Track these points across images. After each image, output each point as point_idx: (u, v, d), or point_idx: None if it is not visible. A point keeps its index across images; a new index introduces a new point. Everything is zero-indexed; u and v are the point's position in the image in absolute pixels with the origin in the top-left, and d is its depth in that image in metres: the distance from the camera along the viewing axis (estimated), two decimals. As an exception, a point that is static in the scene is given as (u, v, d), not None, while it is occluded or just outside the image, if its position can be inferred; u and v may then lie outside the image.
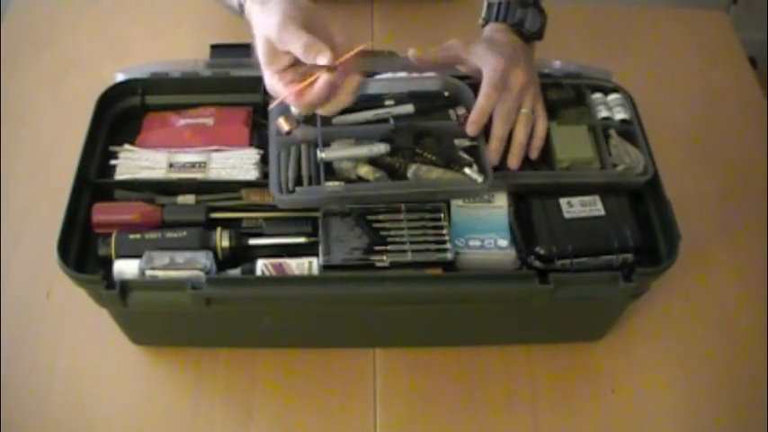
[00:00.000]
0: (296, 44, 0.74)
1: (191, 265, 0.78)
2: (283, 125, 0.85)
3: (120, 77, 0.94)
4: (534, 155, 0.87)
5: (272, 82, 0.77)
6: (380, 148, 0.83)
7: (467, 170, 0.81)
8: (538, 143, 0.87)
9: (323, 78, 0.74)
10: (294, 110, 0.79)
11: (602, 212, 0.84)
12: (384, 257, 0.80)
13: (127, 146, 0.90)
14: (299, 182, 0.83)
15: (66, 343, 0.88)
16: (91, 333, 0.88)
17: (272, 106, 0.81)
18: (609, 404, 0.86)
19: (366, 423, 0.84)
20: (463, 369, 0.88)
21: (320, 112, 0.79)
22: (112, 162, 0.89)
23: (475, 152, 0.84)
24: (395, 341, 0.89)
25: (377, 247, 0.81)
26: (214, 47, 1.03)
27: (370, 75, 0.92)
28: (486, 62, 0.86)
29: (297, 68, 0.77)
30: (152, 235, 0.81)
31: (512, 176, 0.85)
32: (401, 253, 0.80)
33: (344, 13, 1.19)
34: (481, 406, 0.86)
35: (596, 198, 0.84)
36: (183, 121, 0.93)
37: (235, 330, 0.86)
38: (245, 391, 0.85)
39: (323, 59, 0.73)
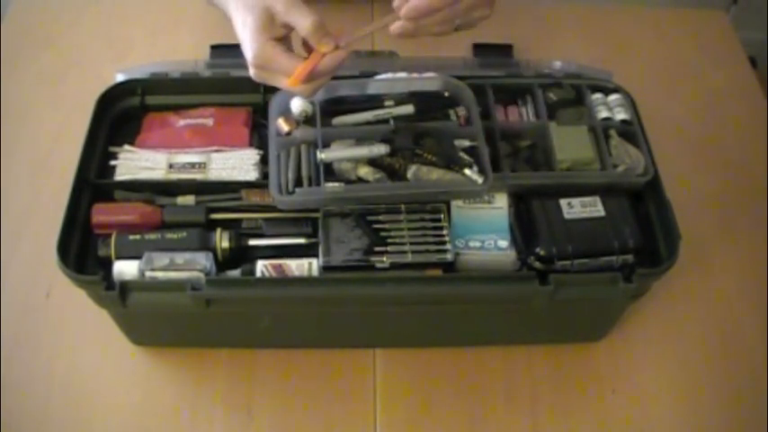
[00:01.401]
0: (305, 20, 0.72)
1: (190, 266, 0.78)
2: (283, 126, 0.86)
3: (120, 77, 0.94)
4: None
5: (266, 48, 0.73)
6: (380, 149, 0.83)
7: (467, 171, 0.81)
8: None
9: (334, 56, 0.73)
10: (288, 87, 0.75)
11: (603, 213, 0.84)
12: (384, 258, 0.80)
13: (127, 146, 0.90)
14: (298, 183, 0.83)
15: (65, 343, 0.88)
16: (91, 333, 0.88)
17: (289, 83, 0.74)
18: (609, 405, 0.86)
19: (366, 423, 0.84)
20: (463, 369, 0.88)
21: (306, 88, 0.76)
22: (112, 162, 0.89)
23: (475, 153, 0.84)
24: (395, 341, 0.89)
25: (377, 248, 0.81)
26: (214, 47, 1.03)
27: (370, 75, 0.91)
28: None
29: (284, 41, 0.75)
30: (152, 236, 0.81)
31: (512, 177, 0.85)
32: (401, 254, 0.80)
33: (344, 13, 1.19)
34: (481, 406, 0.86)
35: (596, 199, 0.84)
36: (182, 122, 0.93)
37: (235, 331, 0.86)
38: (245, 391, 0.85)
39: (328, 44, 0.73)
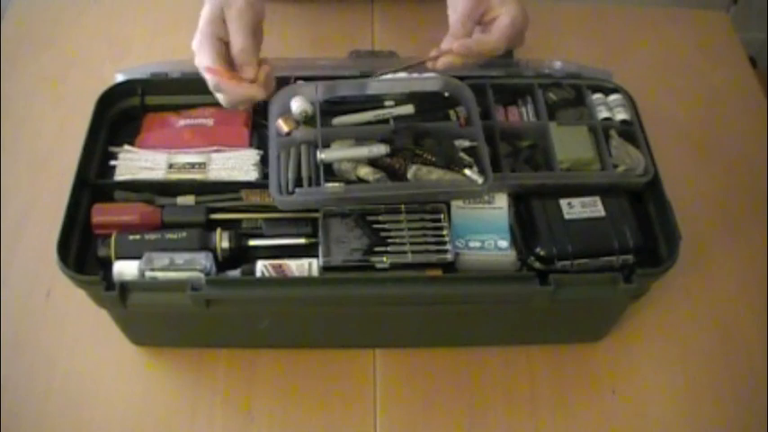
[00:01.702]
0: (238, 38, 0.80)
1: (190, 266, 0.78)
2: (283, 126, 0.86)
3: (119, 78, 0.94)
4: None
5: (204, 41, 0.81)
6: (380, 149, 0.83)
7: (467, 171, 0.81)
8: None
9: (250, 86, 0.81)
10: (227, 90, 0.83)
11: (603, 213, 0.84)
12: (384, 258, 0.80)
13: (126, 146, 0.90)
14: (298, 183, 0.83)
15: (65, 343, 0.88)
16: (91, 333, 0.88)
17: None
18: (609, 405, 0.86)
19: (366, 423, 0.84)
20: (463, 370, 0.88)
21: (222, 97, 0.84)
22: (112, 163, 0.89)
23: (475, 153, 0.84)
24: (395, 342, 0.89)
25: (377, 249, 0.81)
26: (214, 47, 1.02)
27: (371, 75, 0.91)
28: (507, 10, 0.87)
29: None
30: (152, 236, 0.81)
31: (512, 177, 0.85)
32: (401, 254, 0.80)
33: (344, 13, 1.19)
34: (481, 407, 0.86)
35: (596, 199, 0.84)
36: (182, 122, 0.93)
37: (235, 331, 0.86)
38: (245, 391, 0.85)
39: (248, 73, 0.81)
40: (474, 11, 0.88)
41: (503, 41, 0.86)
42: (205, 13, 0.82)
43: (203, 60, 0.81)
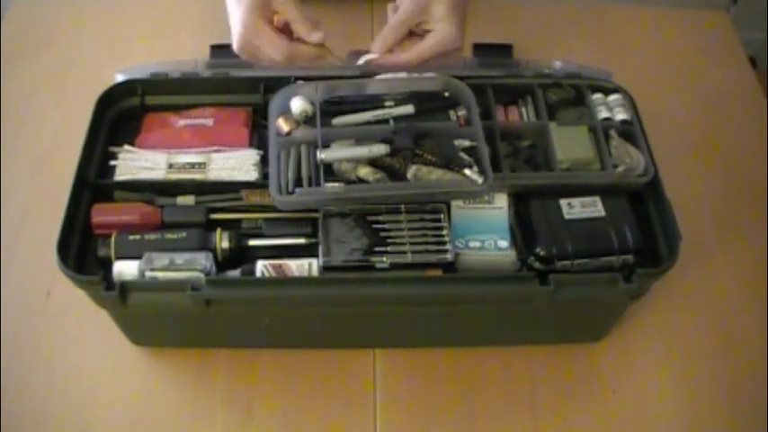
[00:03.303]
0: (293, 10, 0.85)
1: (190, 266, 0.78)
2: (283, 126, 0.86)
3: (120, 78, 0.94)
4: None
5: (258, 23, 0.84)
6: (380, 149, 0.83)
7: (467, 171, 0.81)
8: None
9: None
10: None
11: (603, 213, 0.84)
12: (384, 258, 0.80)
13: (126, 146, 0.90)
14: (298, 183, 0.83)
15: (65, 343, 0.88)
16: (91, 333, 0.88)
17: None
18: (609, 405, 0.86)
19: (366, 423, 0.84)
20: (463, 370, 0.88)
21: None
22: (112, 163, 0.89)
23: (475, 153, 0.84)
24: (395, 342, 0.89)
25: (377, 249, 0.81)
26: (214, 47, 1.02)
27: (370, 75, 0.91)
28: (440, 28, 0.88)
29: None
30: (152, 236, 0.81)
31: (512, 177, 0.85)
32: (401, 254, 0.80)
33: (344, 13, 1.19)
34: (481, 407, 0.86)
35: (596, 199, 0.84)
36: (182, 122, 0.93)
37: (234, 331, 0.86)
38: (245, 391, 0.85)
39: (316, 37, 0.85)
40: (411, 19, 0.89)
41: (418, 60, 0.88)
42: (246, 2, 0.84)
43: (275, 43, 0.85)
